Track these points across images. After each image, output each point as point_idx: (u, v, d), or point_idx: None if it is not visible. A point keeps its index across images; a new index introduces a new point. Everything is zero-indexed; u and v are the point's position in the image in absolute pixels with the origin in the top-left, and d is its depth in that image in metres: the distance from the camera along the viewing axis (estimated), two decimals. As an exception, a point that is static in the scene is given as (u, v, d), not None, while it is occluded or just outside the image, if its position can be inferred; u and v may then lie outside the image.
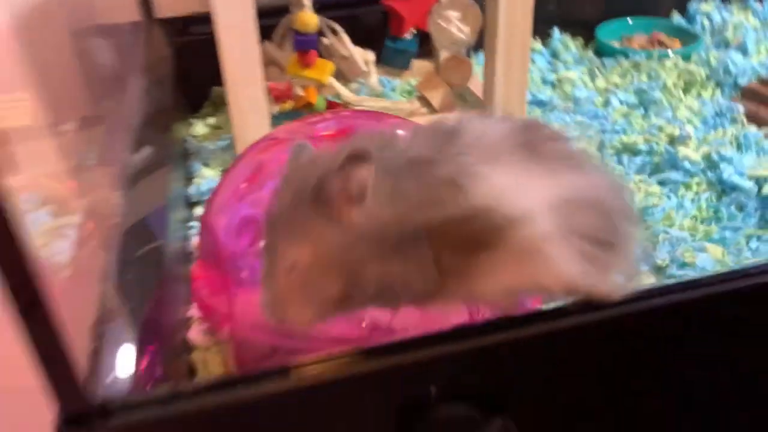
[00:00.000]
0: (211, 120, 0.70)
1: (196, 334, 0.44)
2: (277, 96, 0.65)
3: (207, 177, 0.60)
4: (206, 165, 0.62)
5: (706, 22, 0.83)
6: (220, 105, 0.72)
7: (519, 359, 0.31)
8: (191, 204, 0.57)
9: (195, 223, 0.55)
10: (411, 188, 0.28)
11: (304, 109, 0.64)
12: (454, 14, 0.61)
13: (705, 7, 0.85)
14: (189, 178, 0.61)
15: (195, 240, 0.52)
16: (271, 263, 0.29)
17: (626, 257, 0.31)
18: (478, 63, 0.71)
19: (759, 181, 0.53)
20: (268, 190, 0.34)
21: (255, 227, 0.36)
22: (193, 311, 0.45)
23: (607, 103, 0.68)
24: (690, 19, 0.85)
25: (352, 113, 0.52)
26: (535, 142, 0.29)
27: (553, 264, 0.28)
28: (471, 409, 0.29)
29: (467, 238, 0.28)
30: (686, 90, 0.69)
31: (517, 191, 0.28)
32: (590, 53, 0.80)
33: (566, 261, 0.28)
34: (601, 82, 0.72)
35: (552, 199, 0.28)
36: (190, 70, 0.71)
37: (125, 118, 0.58)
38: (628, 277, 0.31)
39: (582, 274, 0.29)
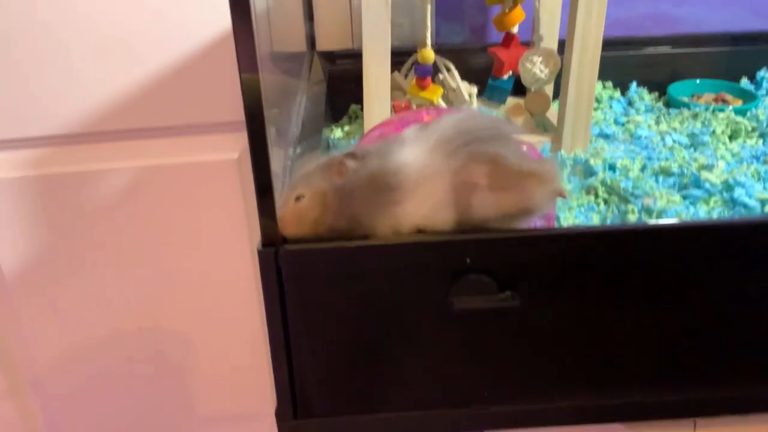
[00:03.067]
0: (347, 128, 0.93)
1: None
2: (398, 110, 0.86)
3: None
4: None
5: (771, 88, 0.97)
6: (354, 118, 0.95)
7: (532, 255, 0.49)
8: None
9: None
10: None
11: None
12: (537, 59, 0.80)
13: (771, 74, 0.98)
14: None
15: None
16: (286, 193, 0.50)
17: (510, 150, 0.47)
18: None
19: (763, 203, 0.67)
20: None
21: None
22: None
23: (661, 141, 0.83)
24: (758, 84, 0.99)
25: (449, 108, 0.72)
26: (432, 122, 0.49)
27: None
28: (491, 280, 0.46)
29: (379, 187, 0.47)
30: (732, 137, 0.83)
31: (406, 153, 0.47)
32: (660, 104, 0.96)
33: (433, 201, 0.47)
34: (663, 126, 0.88)
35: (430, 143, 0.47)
36: (336, 91, 0.95)
37: (292, 120, 0.82)
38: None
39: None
